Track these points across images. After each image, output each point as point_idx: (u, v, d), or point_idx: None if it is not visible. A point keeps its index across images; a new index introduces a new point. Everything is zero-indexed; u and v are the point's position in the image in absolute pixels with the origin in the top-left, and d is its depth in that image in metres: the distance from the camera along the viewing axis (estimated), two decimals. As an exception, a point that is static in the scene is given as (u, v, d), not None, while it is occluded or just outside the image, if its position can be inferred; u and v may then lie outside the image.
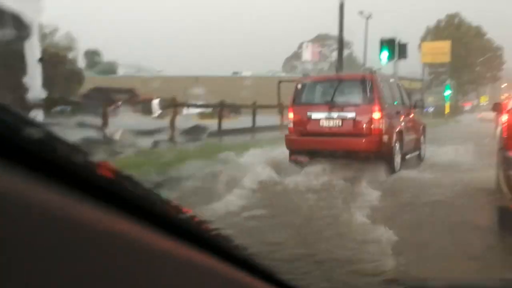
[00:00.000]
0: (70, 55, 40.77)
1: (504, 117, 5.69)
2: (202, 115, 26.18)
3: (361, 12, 38.81)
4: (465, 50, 59.49)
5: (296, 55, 72.96)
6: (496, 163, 5.59)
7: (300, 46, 71.05)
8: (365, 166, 8.87)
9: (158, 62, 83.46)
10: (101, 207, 0.58)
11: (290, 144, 9.73)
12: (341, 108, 9.36)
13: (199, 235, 0.75)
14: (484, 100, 68.98)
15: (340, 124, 9.35)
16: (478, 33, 64.31)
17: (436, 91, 57.06)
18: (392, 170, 9.09)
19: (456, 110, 58.37)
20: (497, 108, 9.50)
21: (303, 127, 9.60)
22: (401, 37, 19.83)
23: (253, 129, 18.77)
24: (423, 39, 61.24)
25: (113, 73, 61.63)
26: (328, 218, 5.49)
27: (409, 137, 10.36)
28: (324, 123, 9.45)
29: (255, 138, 16.23)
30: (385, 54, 19.22)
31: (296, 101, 9.82)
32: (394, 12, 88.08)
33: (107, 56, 62.54)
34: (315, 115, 9.52)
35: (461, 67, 59.93)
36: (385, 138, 9.16)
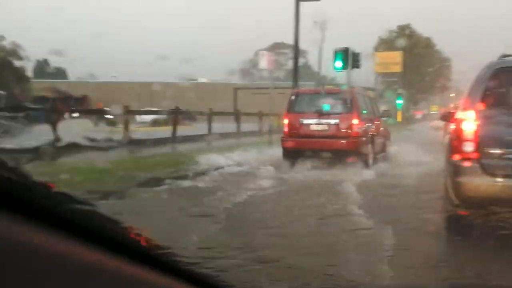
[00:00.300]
0: (17, 63, 39.41)
1: (452, 126, 5.85)
2: (156, 122, 25.84)
3: (315, 22, 39.42)
4: (416, 60, 61.06)
5: (252, 63, 73.27)
6: (444, 169, 5.72)
7: (256, 54, 71.40)
8: (345, 162, 10.87)
9: (112, 68, 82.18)
10: (34, 224, 0.55)
11: (285, 144, 11.81)
12: (327, 115, 11.45)
13: (137, 249, 0.74)
14: (434, 109, 70.97)
15: (327, 128, 11.41)
16: (428, 44, 66.13)
17: (389, 100, 58.32)
18: (367, 165, 11.18)
19: (408, 118, 59.81)
20: (446, 117, 9.79)
21: (296, 131, 11.66)
22: (355, 47, 20.17)
23: (209, 136, 18.62)
24: (376, 49, 62.52)
25: (63, 79, 60.08)
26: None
27: (378, 140, 12.61)
28: (314, 128, 11.50)
29: (211, 145, 16.12)
30: (339, 63, 19.48)
31: (290, 110, 11.88)
32: (348, 22, 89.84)
33: (57, 62, 60.66)
34: (306, 121, 11.57)
35: (413, 77, 61.51)
36: (362, 140, 11.31)
